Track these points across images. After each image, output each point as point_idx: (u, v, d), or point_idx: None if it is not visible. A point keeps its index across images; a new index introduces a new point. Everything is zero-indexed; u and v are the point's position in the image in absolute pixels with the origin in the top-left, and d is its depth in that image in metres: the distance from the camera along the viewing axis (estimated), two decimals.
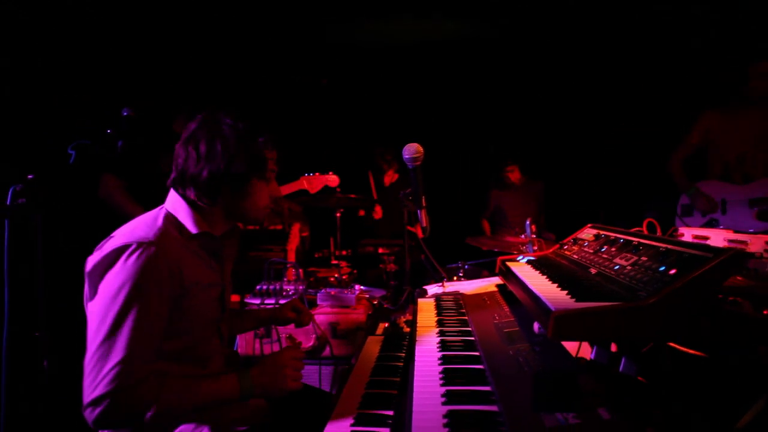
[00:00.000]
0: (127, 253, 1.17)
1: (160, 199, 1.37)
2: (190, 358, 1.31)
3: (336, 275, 3.02)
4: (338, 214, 3.35)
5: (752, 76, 3.06)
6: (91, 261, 1.21)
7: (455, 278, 3.19)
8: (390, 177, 4.30)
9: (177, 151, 1.32)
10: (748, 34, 3.54)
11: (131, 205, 2.57)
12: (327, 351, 2.15)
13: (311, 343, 2.18)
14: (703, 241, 1.49)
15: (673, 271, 1.02)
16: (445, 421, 0.90)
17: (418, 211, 1.63)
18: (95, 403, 1.08)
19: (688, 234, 1.61)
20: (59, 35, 3.11)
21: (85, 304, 1.24)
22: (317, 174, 3.01)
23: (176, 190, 1.34)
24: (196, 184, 1.29)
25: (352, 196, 3.26)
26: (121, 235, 1.24)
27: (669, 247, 1.14)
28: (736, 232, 1.55)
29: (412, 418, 0.93)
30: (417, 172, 1.61)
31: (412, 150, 1.58)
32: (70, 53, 3.15)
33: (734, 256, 0.96)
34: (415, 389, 1.06)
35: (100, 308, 1.15)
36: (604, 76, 4.47)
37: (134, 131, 2.23)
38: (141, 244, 1.18)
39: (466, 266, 3.40)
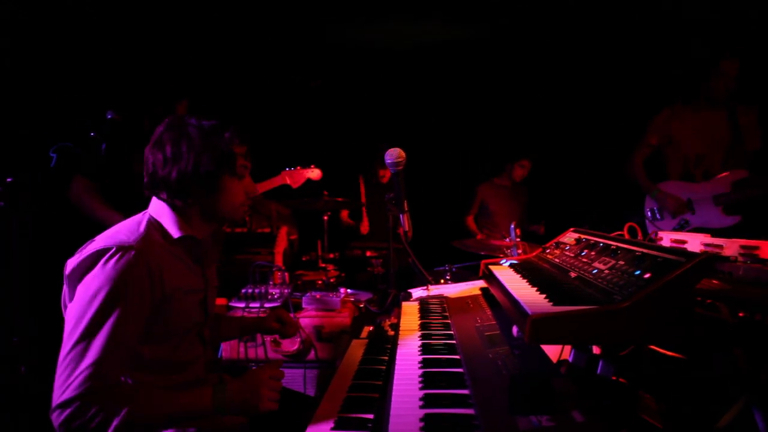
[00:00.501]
0: (106, 256, 1.17)
1: (135, 202, 1.37)
2: (171, 364, 1.30)
3: (323, 278, 3.03)
4: (326, 217, 3.35)
5: (719, 73, 3.07)
6: (71, 264, 1.21)
7: (442, 281, 3.21)
8: (384, 177, 4.28)
9: (146, 156, 1.32)
10: (719, 35, 3.60)
11: (103, 208, 2.39)
12: (312, 354, 2.15)
13: (296, 347, 2.17)
14: (680, 246, 1.51)
15: (647, 275, 1.03)
16: (421, 424, 0.91)
17: (401, 215, 1.64)
18: (64, 405, 1.06)
19: (666, 238, 1.64)
20: (42, 36, 3.08)
21: (63, 308, 1.23)
22: (298, 168, 2.91)
23: (155, 195, 1.34)
24: (167, 186, 1.29)
25: (340, 199, 3.26)
26: (102, 239, 1.23)
27: (644, 251, 1.16)
28: (714, 236, 1.58)
29: (389, 422, 0.93)
30: (399, 177, 1.61)
31: (394, 154, 1.59)
32: (55, 53, 3.12)
33: (706, 260, 0.98)
34: (394, 392, 1.06)
35: (76, 310, 1.14)
36: (595, 77, 4.50)
37: (119, 134, 2.22)
38: (120, 248, 1.18)
39: (453, 269, 3.42)
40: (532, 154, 4.36)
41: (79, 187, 2.44)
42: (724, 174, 3.13)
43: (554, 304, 1.07)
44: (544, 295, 1.16)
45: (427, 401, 1.00)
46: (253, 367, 1.47)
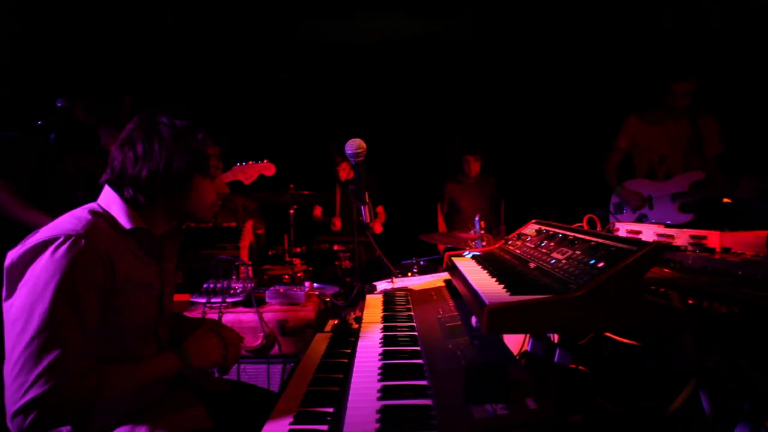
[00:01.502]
0: (54, 245, 1.11)
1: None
2: (122, 362, 1.25)
3: (290, 273, 2.99)
4: (292, 211, 3.30)
5: (671, 93, 3.32)
6: (11, 256, 1.14)
7: (410, 274, 3.22)
8: (346, 172, 4.26)
9: (113, 154, 1.29)
10: (680, 49, 3.76)
11: (25, 210, 2.05)
12: (275, 349, 2.11)
13: (259, 342, 2.13)
14: (635, 236, 1.56)
15: (601, 264, 1.05)
16: (378, 416, 0.90)
17: (362, 207, 1.62)
18: (27, 408, 1.00)
19: (623, 229, 1.68)
20: None
21: None
22: (251, 162, 2.78)
23: (112, 188, 1.30)
24: (135, 185, 1.26)
25: (306, 192, 3.23)
26: (45, 230, 1.17)
27: (600, 241, 1.18)
28: (666, 226, 1.64)
29: (346, 414, 0.92)
30: (360, 168, 1.59)
31: (354, 145, 1.57)
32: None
33: (655, 249, 1.00)
34: (352, 385, 1.05)
35: (24, 306, 1.07)
36: (558, 74, 4.60)
37: (70, 124, 2.11)
38: (69, 236, 1.13)
39: (421, 262, 3.44)
40: (474, 150, 4.40)
41: None
42: (683, 174, 3.35)
43: (511, 294, 1.08)
44: (502, 285, 1.17)
45: (385, 393, 0.99)
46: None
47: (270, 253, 3.59)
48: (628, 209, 3.50)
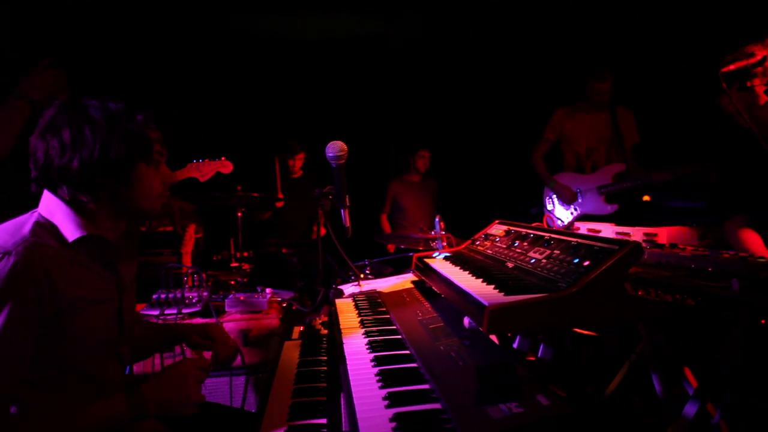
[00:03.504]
0: None
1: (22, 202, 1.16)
2: (82, 388, 1.12)
3: (237, 278, 2.86)
4: (240, 214, 3.16)
5: (591, 91, 3.55)
6: None
7: (362, 276, 3.21)
8: (301, 163, 4.14)
9: (33, 144, 1.11)
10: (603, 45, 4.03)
11: None
12: (238, 360, 2.01)
13: None
14: (596, 234, 1.66)
15: (587, 263, 1.11)
16: (393, 425, 0.89)
17: (342, 210, 1.59)
18: None
19: (583, 228, 1.79)
20: None
21: None
22: (207, 160, 2.63)
23: (50, 191, 1.14)
24: (66, 178, 1.09)
25: (255, 194, 3.10)
26: None
27: (579, 241, 1.24)
28: (617, 224, 1.77)
29: (358, 426, 0.90)
30: (340, 171, 1.56)
31: (336, 148, 1.53)
32: None
33: (635, 248, 1.08)
34: (354, 395, 1.03)
35: None
36: (493, 73, 4.78)
37: None
38: None
39: (372, 263, 3.44)
40: (428, 144, 4.51)
41: None
42: (606, 167, 3.57)
43: (505, 294, 1.11)
44: (492, 286, 1.20)
45: (393, 400, 0.98)
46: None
47: (215, 258, 3.41)
48: (562, 203, 3.69)
